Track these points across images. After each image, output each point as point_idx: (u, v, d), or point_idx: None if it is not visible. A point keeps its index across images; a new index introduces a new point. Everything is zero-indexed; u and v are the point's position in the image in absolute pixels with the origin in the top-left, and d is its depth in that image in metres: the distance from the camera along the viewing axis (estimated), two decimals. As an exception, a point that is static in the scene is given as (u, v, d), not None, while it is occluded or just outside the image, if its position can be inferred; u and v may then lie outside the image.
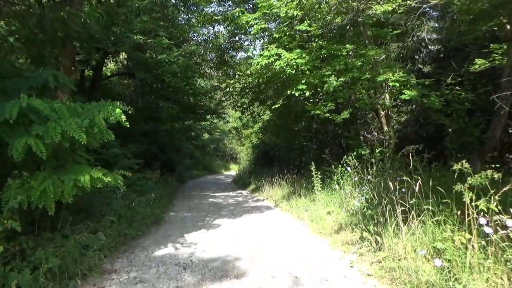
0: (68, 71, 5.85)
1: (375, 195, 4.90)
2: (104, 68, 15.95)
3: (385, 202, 4.36)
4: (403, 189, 4.18)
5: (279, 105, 9.33)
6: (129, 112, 4.18)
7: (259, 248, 5.07)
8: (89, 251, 4.40)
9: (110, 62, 15.32)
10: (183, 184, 19.43)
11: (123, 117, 3.87)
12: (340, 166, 8.44)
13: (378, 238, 4.06)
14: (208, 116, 17.45)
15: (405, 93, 6.64)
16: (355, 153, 8.60)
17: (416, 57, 12.85)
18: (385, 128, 9.45)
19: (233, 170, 30.98)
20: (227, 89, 12.75)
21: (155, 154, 17.13)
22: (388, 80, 6.74)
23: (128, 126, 4.07)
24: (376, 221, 4.34)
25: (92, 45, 7.24)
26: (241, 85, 12.23)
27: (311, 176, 11.02)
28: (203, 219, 7.82)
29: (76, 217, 5.37)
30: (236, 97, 14.32)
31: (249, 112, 16.13)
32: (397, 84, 6.67)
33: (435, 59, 12.65)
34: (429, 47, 13.70)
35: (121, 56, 15.82)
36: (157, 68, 11.37)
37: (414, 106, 12.23)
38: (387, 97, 8.93)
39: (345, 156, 8.85)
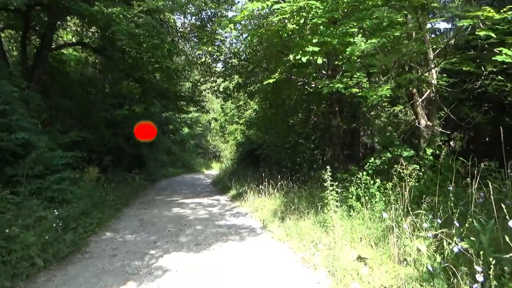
0: None
1: None
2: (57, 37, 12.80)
3: None
4: None
5: (275, 79, 6.33)
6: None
7: None
8: None
9: (60, 27, 12.05)
10: (153, 183, 16.35)
11: None
12: (364, 172, 5.60)
13: None
14: (183, 103, 14.25)
15: (503, 52, 3.76)
16: (388, 154, 5.69)
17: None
18: (422, 121, 6.68)
19: (215, 169, 27.90)
20: (203, 60, 9.65)
21: (120, 147, 14.06)
22: (479, 24, 3.85)
23: None
24: None
25: None
26: (221, 54, 9.19)
27: (313, 184, 8.15)
28: (146, 254, 4.76)
29: None
30: (215, 75, 11.24)
31: (232, 100, 13.12)
32: (494, 35, 3.79)
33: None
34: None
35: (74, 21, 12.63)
36: (108, 27, 8.25)
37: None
38: (434, 73, 6.15)
39: (371, 158, 5.98)
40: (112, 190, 9.46)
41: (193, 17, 12.68)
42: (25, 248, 3.86)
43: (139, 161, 16.17)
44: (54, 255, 4.24)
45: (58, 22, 11.28)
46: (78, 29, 12.86)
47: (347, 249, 4.05)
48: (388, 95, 4.67)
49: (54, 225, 4.61)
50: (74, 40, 12.91)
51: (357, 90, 4.95)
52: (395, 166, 4.52)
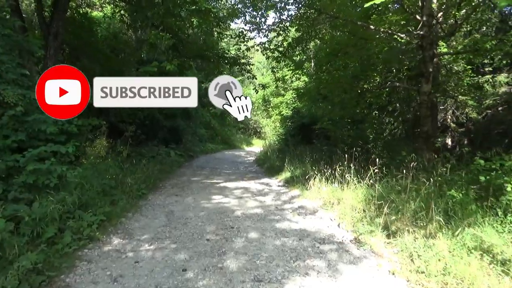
0: None
1: None
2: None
3: None
4: None
5: None
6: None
7: None
8: None
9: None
10: (190, 160, 14.33)
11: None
12: None
13: None
14: (226, 68, 11.87)
15: None
16: None
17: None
18: None
19: (256, 146, 25.68)
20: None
21: (155, 117, 12.30)
22: None
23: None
24: None
25: None
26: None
27: (416, 173, 5.61)
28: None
29: None
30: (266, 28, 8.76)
31: (286, 61, 10.59)
32: None
33: None
34: None
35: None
36: None
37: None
38: None
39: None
40: (141, 168, 7.47)
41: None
42: None
43: (175, 135, 14.29)
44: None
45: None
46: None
47: None
48: None
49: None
50: None
51: None
52: None
